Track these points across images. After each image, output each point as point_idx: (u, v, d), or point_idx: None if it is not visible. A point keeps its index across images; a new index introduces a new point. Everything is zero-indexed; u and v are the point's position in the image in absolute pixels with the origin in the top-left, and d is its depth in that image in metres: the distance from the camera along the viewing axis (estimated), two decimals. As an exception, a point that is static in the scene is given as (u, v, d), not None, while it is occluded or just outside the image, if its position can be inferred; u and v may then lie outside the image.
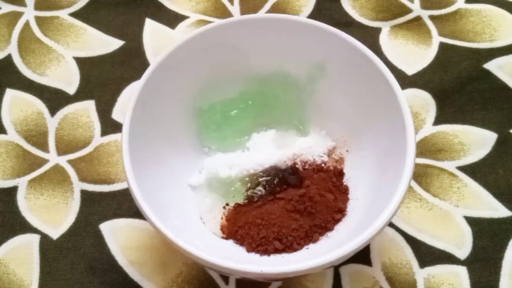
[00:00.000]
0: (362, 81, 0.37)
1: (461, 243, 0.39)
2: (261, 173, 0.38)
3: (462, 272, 0.38)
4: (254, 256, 0.35)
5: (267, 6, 0.51)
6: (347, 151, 0.39)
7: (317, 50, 0.38)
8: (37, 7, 0.51)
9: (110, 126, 0.44)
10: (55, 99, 0.46)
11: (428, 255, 0.38)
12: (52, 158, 0.43)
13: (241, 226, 0.36)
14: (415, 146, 0.32)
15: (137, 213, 0.40)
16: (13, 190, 0.42)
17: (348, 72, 0.37)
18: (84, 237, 0.40)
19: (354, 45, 0.36)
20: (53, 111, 0.45)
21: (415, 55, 0.48)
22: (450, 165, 0.42)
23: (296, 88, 0.40)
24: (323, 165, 0.39)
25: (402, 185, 0.30)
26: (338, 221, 0.36)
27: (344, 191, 0.38)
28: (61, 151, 0.43)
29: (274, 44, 0.39)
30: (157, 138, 0.37)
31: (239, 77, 0.40)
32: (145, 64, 0.47)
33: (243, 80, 0.40)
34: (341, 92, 0.39)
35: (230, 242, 0.36)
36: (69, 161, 0.43)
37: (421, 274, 0.38)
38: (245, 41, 0.39)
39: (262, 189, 0.38)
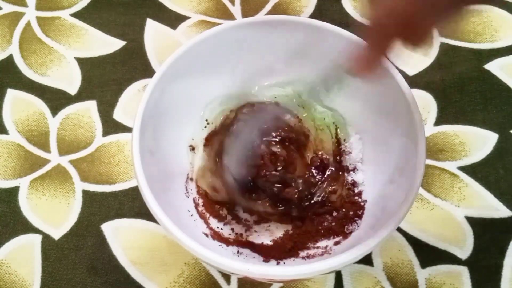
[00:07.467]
0: (372, 85, 0.36)
1: (462, 243, 0.39)
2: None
3: (463, 272, 0.38)
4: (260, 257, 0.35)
5: (268, 6, 0.51)
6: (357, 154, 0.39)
7: (325, 52, 0.38)
8: (38, 7, 0.51)
9: (111, 127, 0.44)
10: (56, 100, 0.46)
11: (430, 255, 0.39)
12: (54, 158, 0.43)
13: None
14: (425, 156, 0.31)
15: (138, 213, 0.40)
16: (14, 191, 0.42)
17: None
18: (86, 237, 0.40)
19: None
20: (54, 111, 0.45)
21: (416, 56, 0.48)
22: (451, 165, 0.42)
23: (304, 93, 0.40)
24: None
25: (411, 194, 0.30)
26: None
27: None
28: (62, 152, 0.43)
29: (276, 45, 0.38)
30: (167, 141, 0.37)
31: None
32: (146, 65, 0.47)
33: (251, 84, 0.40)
34: (351, 95, 0.38)
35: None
36: (71, 162, 0.43)
37: (422, 274, 0.38)
38: (249, 42, 0.38)
39: None
